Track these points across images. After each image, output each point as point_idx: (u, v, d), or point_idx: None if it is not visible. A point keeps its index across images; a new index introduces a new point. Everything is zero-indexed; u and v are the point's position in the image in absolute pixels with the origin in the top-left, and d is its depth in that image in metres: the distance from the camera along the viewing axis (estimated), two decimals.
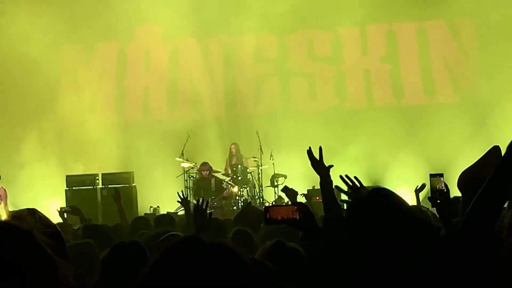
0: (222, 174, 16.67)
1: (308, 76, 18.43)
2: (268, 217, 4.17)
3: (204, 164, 16.09)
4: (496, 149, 5.79)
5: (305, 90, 18.37)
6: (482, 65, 17.36)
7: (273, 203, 15.34)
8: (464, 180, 5.33)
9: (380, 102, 18.08)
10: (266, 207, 4.31)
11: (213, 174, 16.19)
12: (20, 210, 3.96)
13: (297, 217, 4.10)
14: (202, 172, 16.06)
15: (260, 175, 16.61)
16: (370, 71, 18.36)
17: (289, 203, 8.28)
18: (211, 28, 18.18)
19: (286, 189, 8.38)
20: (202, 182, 16.04)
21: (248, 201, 15.40)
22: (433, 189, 5.75)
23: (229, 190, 16.06)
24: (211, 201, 14.98)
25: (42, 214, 3.54)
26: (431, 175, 5.85)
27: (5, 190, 14.73)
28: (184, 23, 17.65)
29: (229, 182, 16.36)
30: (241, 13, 17.59)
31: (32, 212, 3.61)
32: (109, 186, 16.17)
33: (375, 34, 18.42)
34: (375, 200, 3.52)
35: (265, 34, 18.13)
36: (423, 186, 8.85)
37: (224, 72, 18.61)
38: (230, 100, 18.35)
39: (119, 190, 11.09)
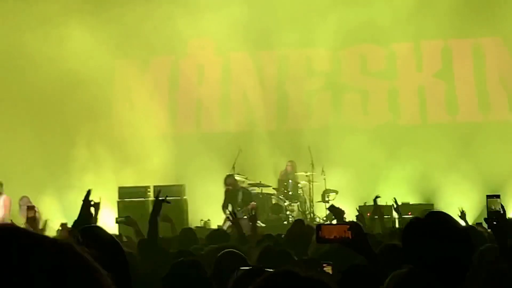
0: (273, 189, 16.61)
1: (361, 91, 18.37)
2: (320, 235, 4.10)
3: (229, 176, 15.93)
4: None
5: (357, 106, 18.30)
6: None
7: (324, 218, 15.33)
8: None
9: (434, 119, 17.99)
10: (318, 225, 4.22)
11: (241, 186, 16.08)
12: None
13: (350, 237, 4.01)
14: (228, 186, 15.87)
15: (311, 191, 16.52)
16: (424, 87, 18.26)
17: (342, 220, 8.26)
18: (264, 42, 18.28)
19: (332, 208, 8.34)
20: (229, 195, 15.88)
21: (299, 217, 15.37)
22: (489, 210, 5.69)
23: (254, 202, 15.75)
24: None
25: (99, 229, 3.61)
26: (488, 196, 5.78)
27: (10, 200, 14.81)
28: (237, 37, 17.78)
29: (280, 197, 16.31)
30: (294, 27, 17.73)
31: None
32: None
33: (429, 50, 18.31)
34: (433, 223, 3.50)
35: (318, 49, 18.09)
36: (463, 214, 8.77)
37: (277, 86, 18.64)
38: (282, 114, 18.46)
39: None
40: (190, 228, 9.93)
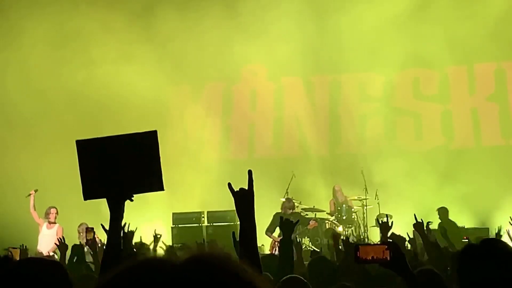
0: (327, 213, 16.56)
1: (413, 115, 18.37)
2: (358, 255, 4.12)
3: (288, 200, 15.82)
4: None
5: (410, 129, 18.33)
6: None
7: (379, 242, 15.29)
8: None
9: (488, 142, 17.86)
10: (356, 245, 4.27)
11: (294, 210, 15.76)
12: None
13: (388, 257, 4.03)
14: (286, 210, 15.58)
15: (365, 215, 16.45)
16: (477, 110, 18.17)
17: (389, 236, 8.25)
18: (316, 66, 18.32)
19: (382, 225, 8.34)
20: (276, 218, 15.59)
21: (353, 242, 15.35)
22: None
23: (313, 221, 15.64)
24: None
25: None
26: None
27: (62, 229, 14.89)
28: (289, 62, 17.99)
29: (333, 221, 16.27)
30: (346, 51, 17.76)
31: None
32: (214, 224, 16.44)
33: (482, 72, 18.21)
34: (488, 249, 3.55)
35: (370, 73, 18.24)
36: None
37: (329, 111, 18.73)
38: (334, 138, 18.48)
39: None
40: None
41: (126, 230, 7.21)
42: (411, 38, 17.44)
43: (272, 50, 17.92)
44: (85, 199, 4.39)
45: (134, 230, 7.95)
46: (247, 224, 4.36)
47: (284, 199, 16.09)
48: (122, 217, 4.22)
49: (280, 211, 15.50)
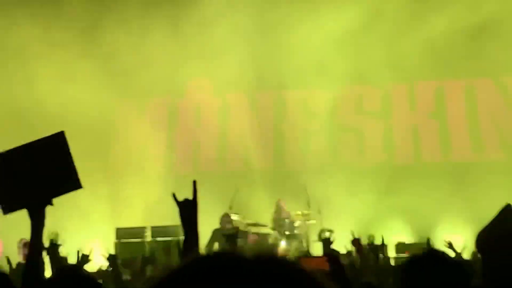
0: (270, 228, 16.52)
1: (356, 131, 18.52)
2: None
3: (225, 215, 15.73)
4: (509, 208, 5.93)
5: (353, 145, 18.47)
6: None
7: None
8: (481, 241, 5.48)
9: (428, 158, 18.14)
10: (296, 258, 4.25)
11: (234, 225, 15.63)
12: None
13: (328, 268, 4.18)
14: (226, 224, 15.55)
15: (307, 230, 16.44)
16: (418, 127, 18.44)
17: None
18: (261, 83, 18.41)
19: (324, 240, 8.48)
20: (218, 234, 15.45)
21: (295, 256, 15.43)
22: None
23: (254, 235, 15.75)
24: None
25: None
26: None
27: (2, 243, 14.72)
28: (234, 79, 17.98)
29: (275, 236, 16.26)
30: (290, 68, 17.88)
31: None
32: (157, 239, 16.31)
33: (423, 90, 18.54)
34: (433, 260, 3.61)
35: (313, 90, 18.32)
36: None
37: (273, 126, 18.82)
38: (278, 154, 18.58)
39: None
40: None
41: (55, 242, 7.23)
42: (354, 56, 17.56)
43: (218, 66, 17.90)
44: (4, 214, 4.37)
45: (59, 244, 7.76)
46: (191, 234, 4.36)
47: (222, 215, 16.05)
48: (43, 224, 4.24)
49: (219, 226, 15.52)
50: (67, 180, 4.45)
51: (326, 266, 4.22)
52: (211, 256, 1.29)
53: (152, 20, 17.91)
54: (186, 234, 4.41)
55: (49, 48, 17.60)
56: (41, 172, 4.47)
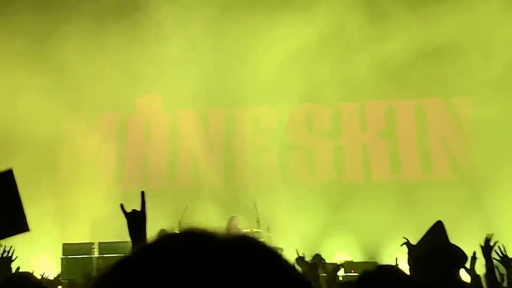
0: None
1: (306, 150, 18.60)
2: None
3: (162, 230, 15.72)
4: (439, 224, 6.18)
5: (303, 164, 18.50)
6: (479, 142, 17.53)
7: None
8: (413, 257, 5.62)
9: (378, 177, 18.21)
10: None
11: None
12: None
13: None
14: None
15: None
16: (368, 147, 18.54)
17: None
18: (211, 99, 18.45)
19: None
20: None
21: None
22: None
23: None
24: None
25: None
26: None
27: None
28: (185, 94, 17.96)
29: None
30: (240, 85, 17.96)
31: None
32: (105, 255, 16.13)
33: (374, 110, 18.66)
34: (384, 276, 3.65)
35: (264, 107, 18.42)
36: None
37: (224, 144, 18.87)
38: (229, 172, 18.61)
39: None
40: None
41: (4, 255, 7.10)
42: (306, 74, 17.68)
43: (169, 82, 17.96)
44: None
45: (14, 258, 7.50)
46: (139, 245, 4.23)
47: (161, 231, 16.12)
48: None
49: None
50: (15, 222, 4.42)
51: None
52: (182, 233, 1.23)
53: (104, 35, 17.81)
54: (133, 244, 4.44)
55: None
56: None
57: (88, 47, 17.87)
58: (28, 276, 4.37)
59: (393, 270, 3.82)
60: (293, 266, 1.20)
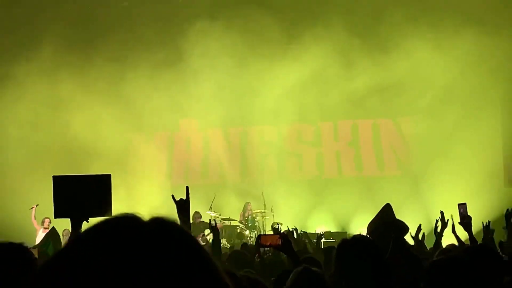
0: (238, 222, 16.64)
1: (297, 155, 18.59)
2: (260, 242, 4.34)
3: (196, 212, 15.62)
4: (388, 205, 6.27)
5: (295, 165, 18.49)
6: (417, 148, 17.47)
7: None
8: (370, 229, 5.79)
9: (347, 174, 18.20)
10: (258, 235, 4.37)
11: (202, 221, 15.73)
12: None
13: (280, 243, 4.19)
14: (196, 219, 15.41)
15: (264, 223, 16.66)
16: (340, 152, 18.52)
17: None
18: (231, 121, 18.34)
19: (274, 230, 8.54)
20: (194, 227, 15.32)
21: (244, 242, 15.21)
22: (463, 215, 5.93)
23: (220, 224, 15.38)
24: (202, 237, 14.91)
25: None
26: (460, 204, 6.03)
27: None
28: (213, 118, 17.93)
29: (242, 227, 16.42)
30: (252, 111, 17.74)
31: None
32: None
33: (344, 127, 18.59)
34: (358, 240, 3.58)
35: (268, 126, 18.29)
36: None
37: (240, 152, 18.75)
38: (243, 171, 18.55)
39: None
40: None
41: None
42: (297, 103, 17.47)
43: (201, 109, 17.83)
44: (55, 217, 4.58)
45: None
46: (184, 224, 4.15)
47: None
48: (79, 233, 4.18)
49: (192, 220, 15.41)
50: (104, 208, 4.49)
51: (278, 241, 4.19)
52: (112, 219, 1.09)
53: (158, 77, 17.54)
54: (180, 223, 4.35)
55: (82, 96, 17.44)
56: (88, 196, 4.57)
57: (147, 86, 17.58)
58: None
59: (364, 237, 3.83)
60: (199, 245, 1.08)
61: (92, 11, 17.95)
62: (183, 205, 4.31)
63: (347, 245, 3.54)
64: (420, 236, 7.31)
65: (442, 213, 6.89)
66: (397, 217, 6.19)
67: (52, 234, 9.83)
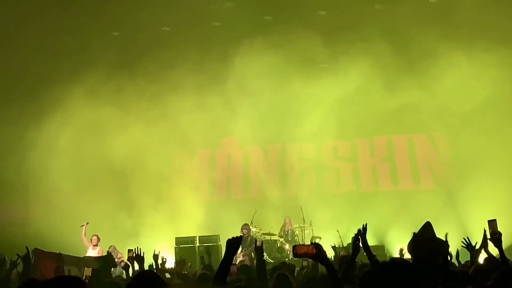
0: (278, 236, 16.55)
1: (334, 170, 18.55)
2: (295, 252, 4.19)
3: (245, 225, 15.60)
4: (428, 224, 6.20)
5: (332, 180, 18.42)
6: (451, 162, 17.36)
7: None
8: (411, 246, 5.79)
9: (383, 188, 18.06)
10: (294, 245, 4.30)
11: (250, 234, 15.72)
12: None
13: (314, 252, 4.14)
14: (243, 231, 15.42)
15: (303, 237, 16.53)
16: (375, 167, 18.48)
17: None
18: (270, 138, 18.37)
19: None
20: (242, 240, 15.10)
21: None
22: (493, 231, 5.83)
23: (261, 241, 15.43)
24: (245, 251, 14.94)
25: None
26: (489, 220, 6.02)
27: (102, 250, 14.57)
28: (253, 136, 18.00)
29: (282, 241, 16.35)
30: (290, 128, 17.93)
31: None
32: (203, 244, 16.09)
33: (379, 142, 18.53)
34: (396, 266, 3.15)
35: (306, 143, 18.31)
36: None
37: (279, 168, 18.67)
38: (283, 186, 18.34)
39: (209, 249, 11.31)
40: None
41: (139, 254, 6.90)
42: (333, 120, 17.39)
43: (241, 127, 17.88)
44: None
45: (142, 254, 7.35)
46: (226, 257, 4.46)
47: (243, 226, 15.88)
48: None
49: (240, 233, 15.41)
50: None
51: (313, 250, 4.13)
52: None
53: (201, 98, 17.76)
54: (225, 256, 4.39)
55: (122, 120, 17.63)
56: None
57: (191, 107, 17.67)
58: (153, 274, 4.09)
59: (403, 261, 3.28)
60: None
61: (135, 35, 18.26)
62: (233, 244, 4.38)
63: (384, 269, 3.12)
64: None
65: (484, 231, 6.85)
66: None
67: (109, 258, 10.14)
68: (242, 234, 15.09)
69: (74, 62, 17.91)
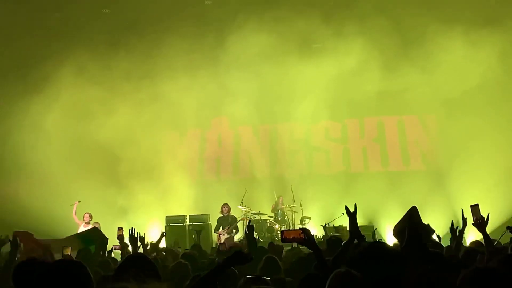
0: (268, 216, 16.50)
1: (324, 151, 18.54)
2: (283, 237, 4.23)
3: (225, 204, 15.57)
4: (414, 208, 6.16)
5: (322, 161, 18.43)
6: (441, 144, 17.25)
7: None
8: (396, 230, 5.76)
9: (373, 169, 18.06)
10: (282, 230, 4.31)
11: (230, 214, 15.61)
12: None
13: (302, 237, 4.15)
14: (223, 208, 15.43)
15: (293, 217, 16.56)
16: (366, 148, 18.44)
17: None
18: (261, 119, 18.31)
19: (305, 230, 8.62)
20: (221, 219, 15.51)
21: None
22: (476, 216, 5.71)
23: (244, 218, 15.53)
24: (227, 229, 15.02)
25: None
26: (472, 205, 5.82)
27: (99, 224, 14.44)
28: (243, 116, 17.85)
29: (272, 221, 16.34)
30: (280, 109, 17.86)
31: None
32: (193, 223, 16.07)
33: (369, 123, 18.53)
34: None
35: (296, 123, 18.27)
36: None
37: (269, 148, 18.65)
38: (273, 167, 18.38)
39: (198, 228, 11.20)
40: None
41: (136, 235, 6.74)
42: (323, 101, 17.30)
43: (232, 107, 17.73)
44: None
45: (143, 235, 7.30)
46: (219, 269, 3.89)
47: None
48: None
49: (221, 215, 15.51)
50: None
51: (301, 236, 4.15)
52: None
53: (194, 79, 17.63)
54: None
55: (112, 99, 17.35)
56: None
57: (182, 86, 17.44)
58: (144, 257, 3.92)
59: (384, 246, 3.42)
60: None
61: (126, 13, 17.91)
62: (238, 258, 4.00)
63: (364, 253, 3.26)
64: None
65: (462, 211, 6.76)
66: (422, 212, 6.19)
67: (97, 234, 9.75)
68: (221, 214, 15.30)
69: (64, 40, 17.66)
